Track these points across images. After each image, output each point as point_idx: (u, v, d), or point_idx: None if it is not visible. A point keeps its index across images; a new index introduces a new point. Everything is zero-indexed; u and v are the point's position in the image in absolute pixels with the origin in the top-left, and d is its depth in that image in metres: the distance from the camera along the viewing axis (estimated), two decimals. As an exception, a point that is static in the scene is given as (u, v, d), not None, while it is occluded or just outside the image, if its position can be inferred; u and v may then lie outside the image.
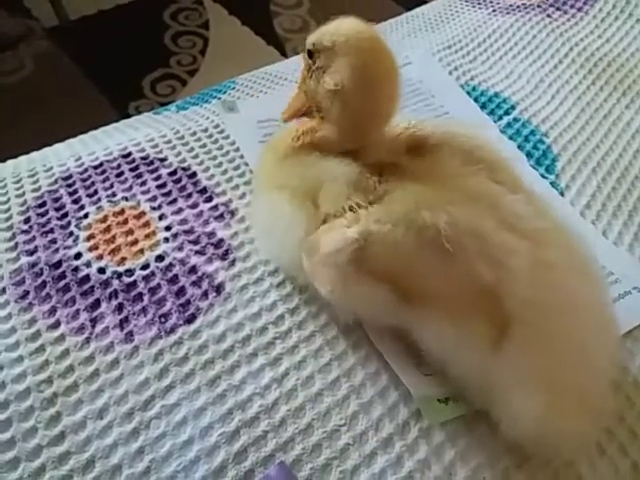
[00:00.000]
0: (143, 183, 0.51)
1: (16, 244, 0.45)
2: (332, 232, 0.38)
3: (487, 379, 0.35)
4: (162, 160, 0.53)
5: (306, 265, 0.39)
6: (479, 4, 0.78)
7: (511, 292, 0.34)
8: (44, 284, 0.43)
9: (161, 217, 0.48)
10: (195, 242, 0.46)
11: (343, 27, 0.40)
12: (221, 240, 0.46)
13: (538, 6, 0.76)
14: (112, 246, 0.45)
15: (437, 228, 0.35)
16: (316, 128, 0.42)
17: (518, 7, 0.77)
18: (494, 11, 0.76)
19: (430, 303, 0.36)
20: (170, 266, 0.44)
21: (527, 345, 0.34)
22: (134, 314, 0.41)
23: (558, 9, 0.76)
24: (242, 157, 0.54)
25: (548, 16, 0.75)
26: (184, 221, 0.48)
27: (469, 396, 0.37)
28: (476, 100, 0.62)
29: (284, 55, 1.56)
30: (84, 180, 0.51)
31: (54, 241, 0.46)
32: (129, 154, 0.53)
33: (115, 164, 0.52)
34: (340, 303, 0.39)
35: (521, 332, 0.34)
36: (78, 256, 0.45)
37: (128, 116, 0.65)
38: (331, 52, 0.39)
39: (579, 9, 0.77)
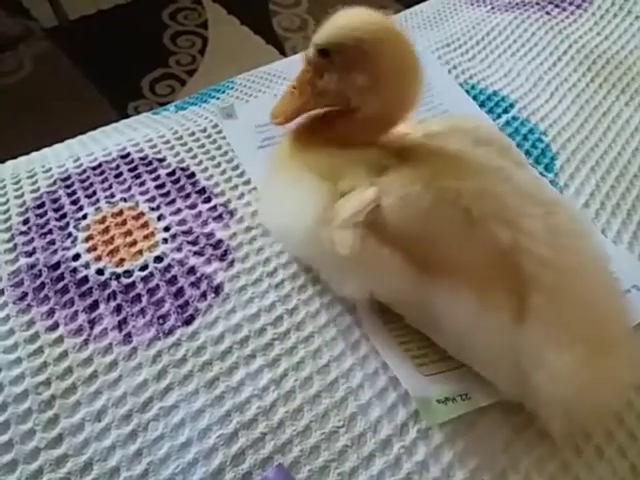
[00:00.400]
0: (142, 184, 0.50)
1: (15, 245, 0.45)
2: (350, 199, 0.38)
3: (512, 350, 0.36)
4: (161, 160, 0.53)
5: (324, 234, 0.39)
6: (477, 2, 0.78)
7: (528, 252, 0.35)
8: (42, 285, 0.43)
9: (160, 218, 0.48)
10: (194, 243, 0.46)
11: (358, 21, 0.39)
12: (220, 241, 0.46)
13: (537, 3, 0.76)
14: (111, 247, 0.45)
15: (454, 189, 0.36)
16: (338, 122, 0.42)
17: (517, 4, 0.76)
18: (492, 9, 0.76)
19: (450, 272, 0.37)
20: (169, 267, 0.44)
21: (549, 310, 0.35)
22: (132, 315, 0.41)
23: (557, 6, 0.76)
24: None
25: (547, 13, 0.75)
26: (183, 222, 0.47)
27: (489, 374, 0.38)
28: (475, 98, 0.62)
29: (283, 54, 1.56)
30: (83, 181, 0.51)
31: (53, 242, 0.46)
32: (128, 155, 0.53)
33: (114, 165, 0.52)
34: (356, 270, 0.39)
35: (541, 299, 0.35)
36: (77, 257, 0.45)
37: (127, 116, 0.65)
38: (355, 49, 0.39)
39: (578, 6, 0.76)
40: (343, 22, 0.40)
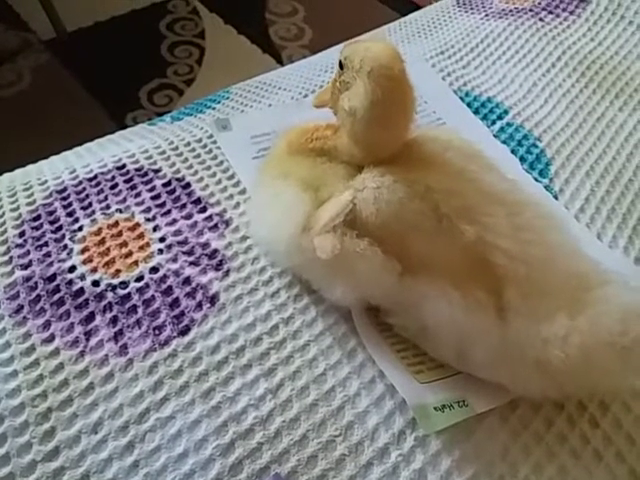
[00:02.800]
0: (137, 195, 0.51)
1: (10, 258, 0.45)
2: (327, 206, 0.39)
3: (505, 348, 0.36)
4: (156, 171, 0.53)
5: (305, 241, 0.39)
6: (472, 9, 0.79)
7: (495, 247, 0.37)
8: (38, 298, 0.43)
9: (155, 228, 0.48)
10: (189, 253, 0.46)
11: (371, 54, 0.38)
12: (215, 250, 0.46)
13: (530, 10, 0.77)
14: (106, 258, 0.45)
15: (423, 184, 0.38)
16: (329, 137, 0.43)
17: (510, 11, 0.77)
18: (486, 16, 0.77)
19: (428, 270, 0.38)
20: (164, 277, 0.44)
21: (525, 301, 0.36)
22: (128, 327, 0.41)
23: (550, 13, 0.76)
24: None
25: (540, 20, 0.75)
26: (178, 232, 0.48)
27: (490, 376, 0.38)
28: (469, 105, 0.62)
29: (280, 63, 1.56)
30: (78, 193, 0.51)
31: (48, 254, 0.46)
32: (123, 166, 0.53)
33: (109, 176, 0.52)
34: (341, 273, 0.39)
35: (515, 292, 0.36)
36: (72, 269, 0.45)
37: (125, 127, 0.65)
38: (355, 75, 0.39)
39: (571, 12, 0.77)
40: (363, 45, 0.39)
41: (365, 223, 0.38)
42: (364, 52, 0.39)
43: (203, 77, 1.54)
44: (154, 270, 0.45)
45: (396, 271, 0.39)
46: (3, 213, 0.49)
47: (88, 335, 0.41)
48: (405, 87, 0.39)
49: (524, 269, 0.36)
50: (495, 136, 0.59)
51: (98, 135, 0.63)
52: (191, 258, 0.46)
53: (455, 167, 0.41)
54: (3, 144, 1.27)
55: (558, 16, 0.76)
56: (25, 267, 0.45)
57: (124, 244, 0.46)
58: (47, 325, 0.41)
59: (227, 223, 0.49)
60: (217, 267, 0.45)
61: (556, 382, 0.37)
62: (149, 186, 0.51)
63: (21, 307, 0.42)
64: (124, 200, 0.50)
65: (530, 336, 0.36)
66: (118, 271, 0.44)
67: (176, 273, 0.44)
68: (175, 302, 0.43)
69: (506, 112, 0.62)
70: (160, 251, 0.46)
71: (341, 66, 0.41)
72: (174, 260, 0.45)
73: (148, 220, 0.48)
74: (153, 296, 0.43)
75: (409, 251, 0.38)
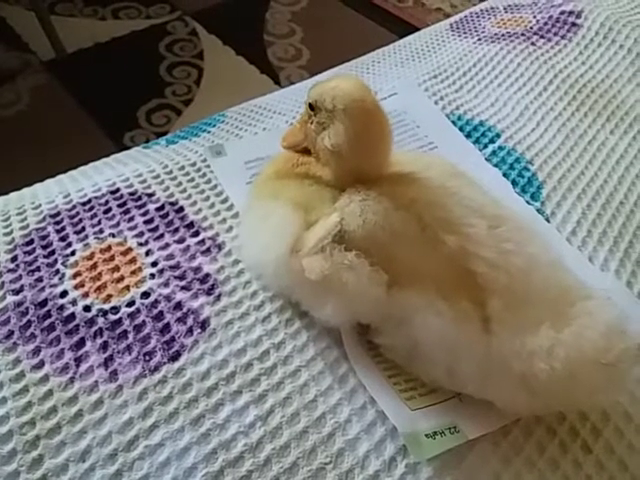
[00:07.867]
0: (130, 219, 0.51)
1: (2, 283, 0.45)
2: (316, 227, 0.40)
3: (491, 362, 0.37)
4: (150, 195, 0.53)
5: (293, 263, 0.40)
6: (465, 33, 0.80)
7: (476, 257, 0.38)
8: (29, 323, 0.43)
9: (148, 253, 0.48)
10: (181, 277, 0.46)
11: (342, 91, 0.41)
12: (207, 275, 0.47)
13: (522, 34, 0.78)
14: (98, 283, 0.45)
15: (408, 197, 0.40)
16: (313, 163, 0.44)
17: (503, 36, 0.78)
18: (479, 40, 0.77)
19: (415, 281, 0.38)
20: (155, 303, 0.44)
21: (508, 313, 0.37)
22: (119, 352, 0.41)
23: (542, 37, 0.77)
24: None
25: (532, 44, 0.76)
26: (170, 256, 0.48)
27: (481, 393, 0.38)
28: (461, 129, 0.63)
29: (278, 83, 1.58)
30: (72, 217, 0.51)
31: (40, 279, 0.46)
32: (117, 190, 0.54)
33: (103, 200, 0.53)
34: (329, 291, 0.40)
35: (498, 303, 0.37)
36: (64, 294, 0.45)
37: (123, 146, 0.66)
38: (331, 115, 0.41)
39: (563, 37, 0.78)
40: (330, 85, 0.42)
41: (353, 237, 0.39)
42: (333, 91, 0.41)
43: (201, 97, 1.55)
44: (145, 295, 0.45)
45: (383, 282, 0.39)
46: (-4, 237, 0.49)
47: (78, 361, 0.40)
48: (380, 116, 0.41)
49: (505, 278, 0.37)
50: (487, 159, 0.59)
51: (96, 155, 0.63)
52: (183, 283, 0.46)
53: (436, 183, 0.42)
54: (1, 164, 1.28)
55: (550, 40, 0.77)
56: (17, 292, 0.45)
57: (116, 269, 0.46)
58: (37, 351, 0.41)
59: (219, 247, 0.49)
60: (209, 291, 0.45)
61: (541, 396, 0.36)
62: (142, 210, 0.52)
63: (11, 333, 0.42)
64: (117, 224, 0.50)
65: (515, 348, 0.36)
66: (109, 296, 0.44)
67: (167, 298, 0.44)
68: (166, 327, 0.43)
69: (498, 136, 0.62)
70: (152, 276, 0.46)
71: (311, 107, 0.42)
72: (166, 285, 0.45)
73: (140, 244, 0.49)
74: (144, 321, 0.43)
75: (396, 262, 0.39)
